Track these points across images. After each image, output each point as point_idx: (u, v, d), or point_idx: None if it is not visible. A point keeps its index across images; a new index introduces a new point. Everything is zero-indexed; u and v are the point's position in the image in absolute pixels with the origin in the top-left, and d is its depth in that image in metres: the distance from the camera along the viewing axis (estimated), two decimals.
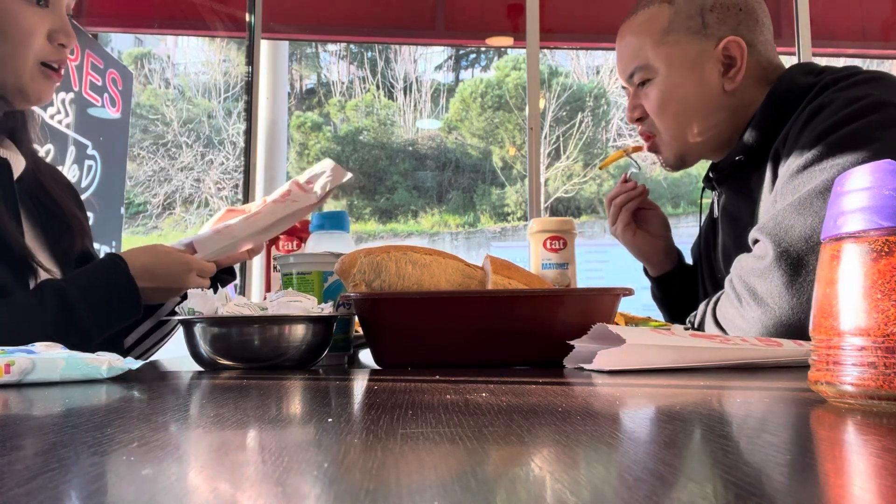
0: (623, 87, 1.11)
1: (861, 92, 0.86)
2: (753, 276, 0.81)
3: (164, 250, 0.92)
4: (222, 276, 1.10)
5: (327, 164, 1.02)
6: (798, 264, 0.77)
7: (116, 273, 0.87)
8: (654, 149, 1.09)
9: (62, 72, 0.91)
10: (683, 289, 1.20)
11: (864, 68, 0.94)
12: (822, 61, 1.02)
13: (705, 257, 1.14)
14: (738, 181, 1.02)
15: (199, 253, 0.97)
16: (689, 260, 1.25)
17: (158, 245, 0.94)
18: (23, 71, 0.87)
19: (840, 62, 1.01)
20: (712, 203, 1.13)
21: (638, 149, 1.17)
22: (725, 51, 0.99)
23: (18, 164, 0.92)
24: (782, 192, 0.85)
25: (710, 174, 1.08)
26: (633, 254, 1.21)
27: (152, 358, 1.08)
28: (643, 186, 1.18)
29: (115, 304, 0.86)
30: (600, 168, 1.25)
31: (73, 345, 0.82)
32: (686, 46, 1.00)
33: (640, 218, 1.19)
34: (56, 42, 0.88)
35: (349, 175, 1.04)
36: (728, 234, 1.04)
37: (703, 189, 1.14)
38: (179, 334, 0.95)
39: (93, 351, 0.88)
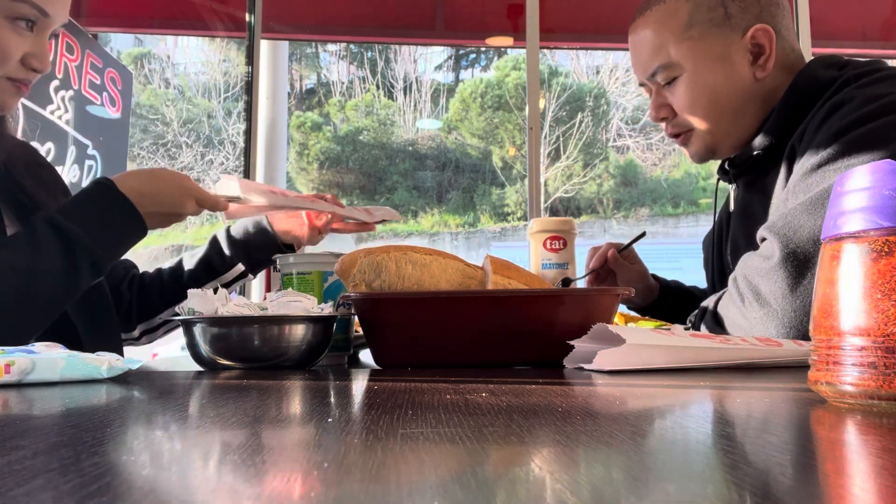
0: (641, 86, 1.08)
1: (882, 90, 0.83)
2: (758, 275, 0.80)
3: (160, 173, 0.91)
4: (264, 261, 1.12)
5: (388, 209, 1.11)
6: (804, 266, 0.76)
7: (106, 194, 0.86)
8: (685, 143, 1.05)
9: (29, 87, 0.91)
10: (673, 310, 1.19)
11: (890, 64, 0.92)
12: None
13: (717, 252, 1.13)
14: (753, 176, 1.00)
15: (238, 187, 0.96)
16: (690, 257, 1.25)
17: (156, 169, 0.93)
18: None
19: None
20: (728, 196, 1.11)
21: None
22: (753, 39, 0.96)
23: None
24: (794, 191, 0.83)
25: (727, 167, 1.06)
26: None
27: (151, 358, 1.09)
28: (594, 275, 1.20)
29: (113, 225, 0.86)
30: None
31: (88, 272, 0.82)
32: (711, 39, 0.97)
33: (613, 276, 1.21)
34: (30, 66, 0.89)
35: (400, 218, 1.13)
36: (740, 229, 1.02)
37: (718, 181, 1.12)
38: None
39: (67, 331, 0.87)
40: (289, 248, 1.11)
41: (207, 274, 1.09)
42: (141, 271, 1.13)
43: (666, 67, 1.00)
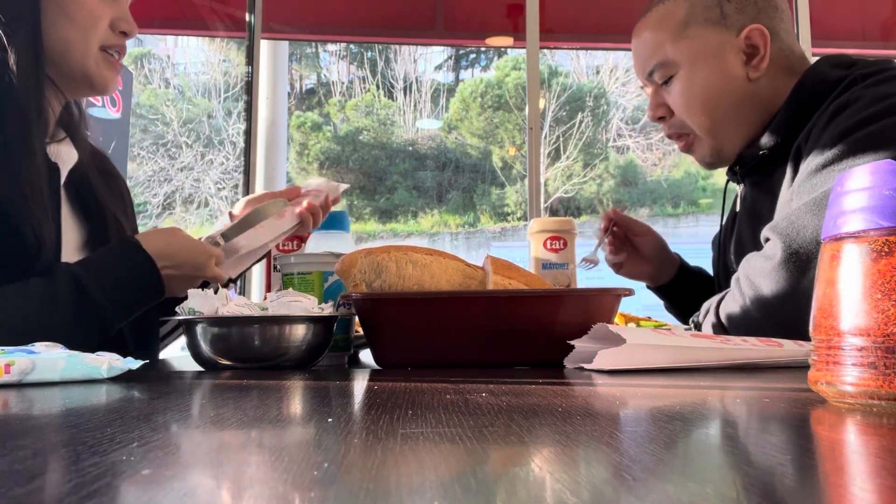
0: (641, 88, 1.09)
1: (889, 89, 0.83)
2: (760, 276, 0.80)
3: (181, 236, 0.89)
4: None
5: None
6: (806, 266, 0.76)
7: (133, 255, 0.84)
8: (687, 149, 1.05)
9: (122, 60, 0.93)
10: (688, 294, 1.19)
11: None
12: None
13: (723, 251, 1.13)
14: (760, 176, 1.00)
15: (225, 248, 0.94)
16: (701, 255, 1.25)
17: (175, 229, 0.90)
18: (88, 56, 0.88)
19: None
20: (736, 196, 1.11)
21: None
22: (748, 39, 0.97)
23: (71, 158, 0.92)
24: (799, 191, 0.83)
25: (735, 167, 1.06)
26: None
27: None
28: (616, 232, 1.19)
29: (134, 287, 0.84)
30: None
31: (94, 331, 0.81)
32: (706, 38, 0.98)
33: (631, 245, 1.21)
34: (118, 30, 0.90)
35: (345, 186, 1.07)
36: (747, 229, 1.02)
37: (728, 181, 1.12)
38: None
39: (115, 337, 0.87)
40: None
41: None
42: None
43: (662, 65, 1.01)
